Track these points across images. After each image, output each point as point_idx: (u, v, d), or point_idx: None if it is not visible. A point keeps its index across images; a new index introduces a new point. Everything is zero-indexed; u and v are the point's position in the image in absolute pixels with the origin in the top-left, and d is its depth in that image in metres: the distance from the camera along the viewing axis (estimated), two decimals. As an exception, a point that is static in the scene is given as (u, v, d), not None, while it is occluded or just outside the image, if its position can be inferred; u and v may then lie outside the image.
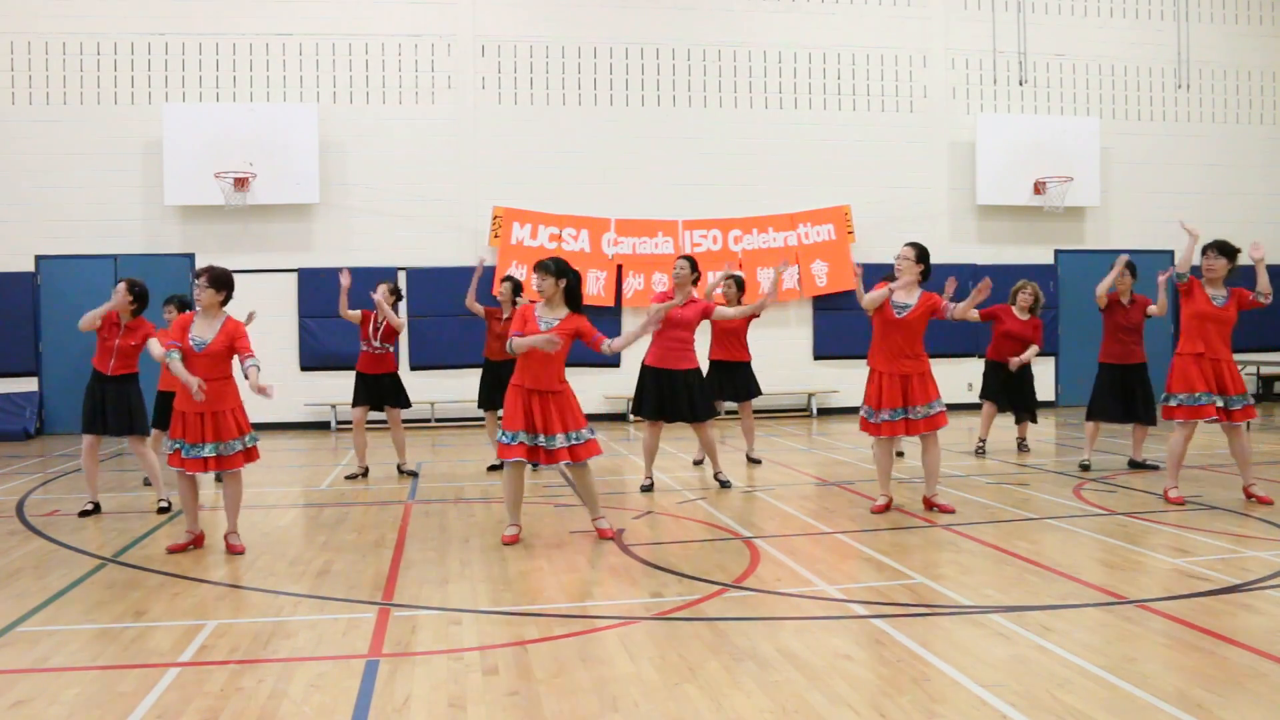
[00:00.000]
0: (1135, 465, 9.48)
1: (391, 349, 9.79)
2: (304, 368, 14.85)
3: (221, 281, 6.56)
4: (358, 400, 9.82)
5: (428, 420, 15.13)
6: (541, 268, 6.61)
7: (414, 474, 10.01)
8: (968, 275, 16.13)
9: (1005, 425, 11.74)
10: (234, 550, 6.56)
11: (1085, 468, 9.45)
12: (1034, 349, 9.98)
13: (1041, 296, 10.57)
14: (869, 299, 7.33)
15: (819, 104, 16.12)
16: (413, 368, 14.93)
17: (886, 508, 7.54)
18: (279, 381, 14.59)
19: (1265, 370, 15.40)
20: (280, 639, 4.71)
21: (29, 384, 14.48)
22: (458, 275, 14.92)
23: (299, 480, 10.06)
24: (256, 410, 14.55)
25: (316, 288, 14.47)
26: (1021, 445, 10.94)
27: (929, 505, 7.55)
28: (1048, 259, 16.59)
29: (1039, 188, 16.20)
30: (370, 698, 3.94)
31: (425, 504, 8.35)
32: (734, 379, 9.99)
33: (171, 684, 4.12)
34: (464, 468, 10.60)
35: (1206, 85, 17.18)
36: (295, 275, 14.86)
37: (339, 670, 4.26)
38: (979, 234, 16.49)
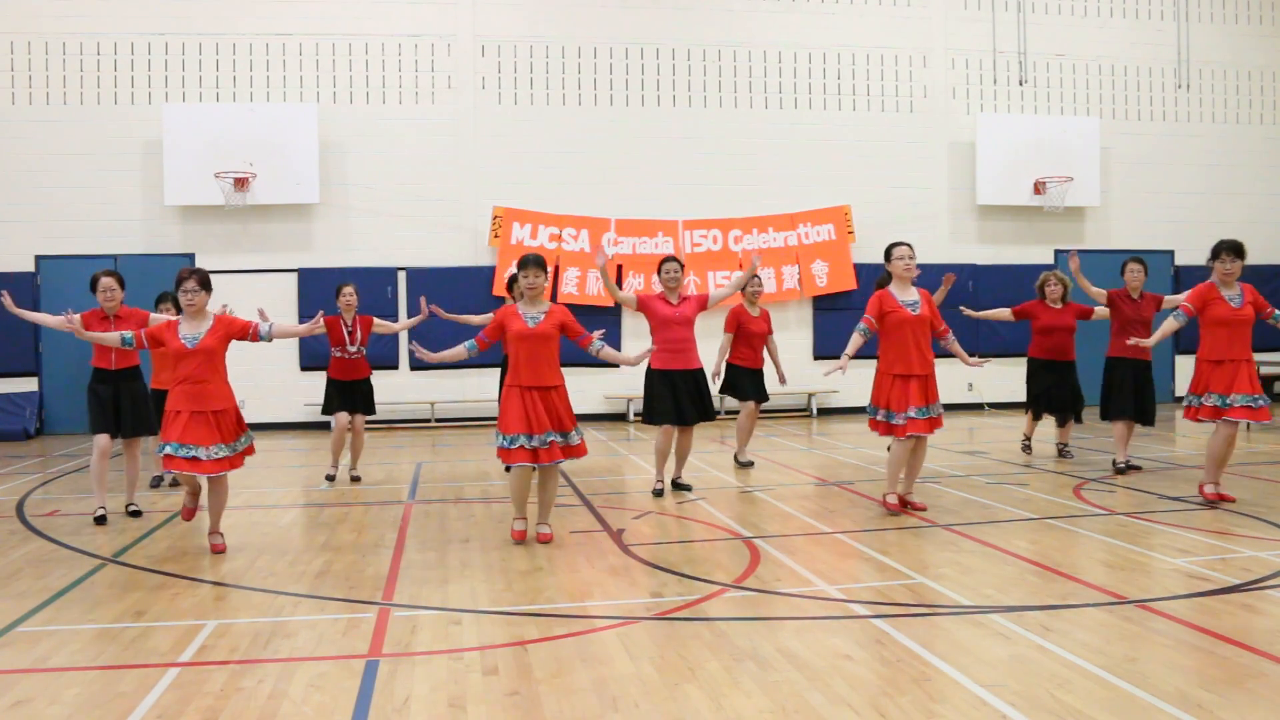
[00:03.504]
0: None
1: (365, 352, 9.45)
2: (304, 368, 14.84)
3: (209, 282, 6.60)
4: (340, 406, 9.35)
5: (428, 420, 15.13)
6: (535, 263, 6.52)
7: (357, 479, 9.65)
8: (968, 275, 16.17)
9: (1008, 425, 11.70)
10: (217, 550, 6.57)
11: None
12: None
13: (1068, 282, 10.03)
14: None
15: (819, 104, 16.12)
16: (413, 368, 14.94)
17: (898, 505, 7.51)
18: (279, 382, 14.77)
19: (1265, 370, 15.37)
20: (280, 639, 4.71)
21: (29, 384, 14.49)
22: (458, 275, 14.95)
23: (299, 480, 10.06)
24: (257, 410, 14.77)
25: (316, 288, 14.46)
26: (1063, 451, 10.26)
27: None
28: (1048, 259, 16.57)
29: (1039, 188, 16.20)
30: (370, 698, 3.93)
31: (425, 504, 8.35)
32: (755, 381, 10.05)
33: (171, 684, 4.11)
34: (464, 468, 10.60)
35: (1206, 85, 17.18)
36: (295, 275, 14.86)
37: (339, 670, 4.26)
38: (979, 234, 16.49)
